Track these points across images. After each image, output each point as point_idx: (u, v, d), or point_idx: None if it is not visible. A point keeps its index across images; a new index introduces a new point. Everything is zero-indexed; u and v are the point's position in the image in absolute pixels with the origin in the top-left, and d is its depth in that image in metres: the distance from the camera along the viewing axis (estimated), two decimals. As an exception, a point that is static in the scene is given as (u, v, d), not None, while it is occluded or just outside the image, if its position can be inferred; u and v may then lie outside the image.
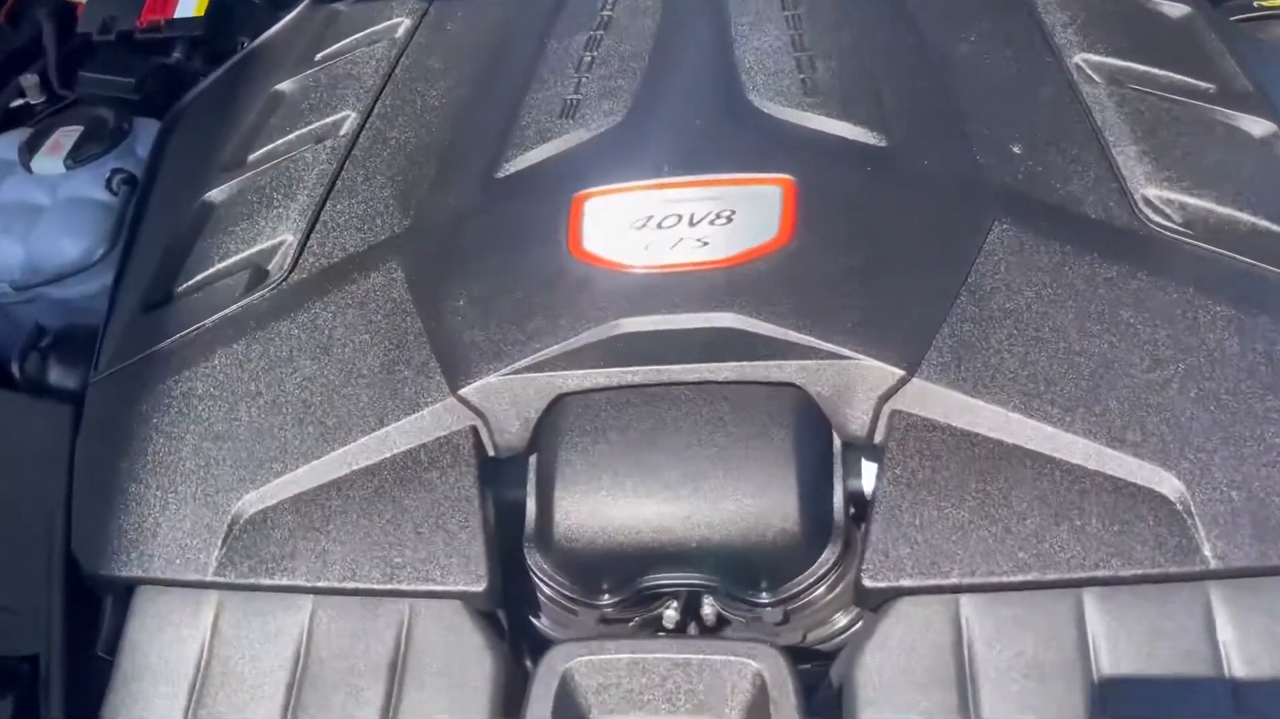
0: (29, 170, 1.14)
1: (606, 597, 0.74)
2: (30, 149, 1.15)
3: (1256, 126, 0.84)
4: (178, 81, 1.29)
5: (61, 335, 1.02)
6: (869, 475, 0.73)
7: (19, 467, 0.88)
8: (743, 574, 0.72)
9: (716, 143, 0.87)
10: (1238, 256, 0.77)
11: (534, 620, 0.79)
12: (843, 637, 0.76)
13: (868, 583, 0.68)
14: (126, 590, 0.77)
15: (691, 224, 0.83)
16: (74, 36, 1.41)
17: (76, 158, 1.13)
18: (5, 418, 0.92)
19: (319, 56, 1.08)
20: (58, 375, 1.00)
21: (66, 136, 1.15)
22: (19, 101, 1.37)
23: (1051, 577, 0.66)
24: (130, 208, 1.08)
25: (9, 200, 1.12)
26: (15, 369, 0.99)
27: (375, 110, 1.00)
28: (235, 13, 1.34)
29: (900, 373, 0.73)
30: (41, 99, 1.37)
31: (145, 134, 1.18)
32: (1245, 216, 0.79)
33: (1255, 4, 0.95)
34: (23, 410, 0.92)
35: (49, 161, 1.13)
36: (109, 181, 1.11)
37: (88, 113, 1.19)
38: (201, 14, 1.32)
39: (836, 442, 0.74)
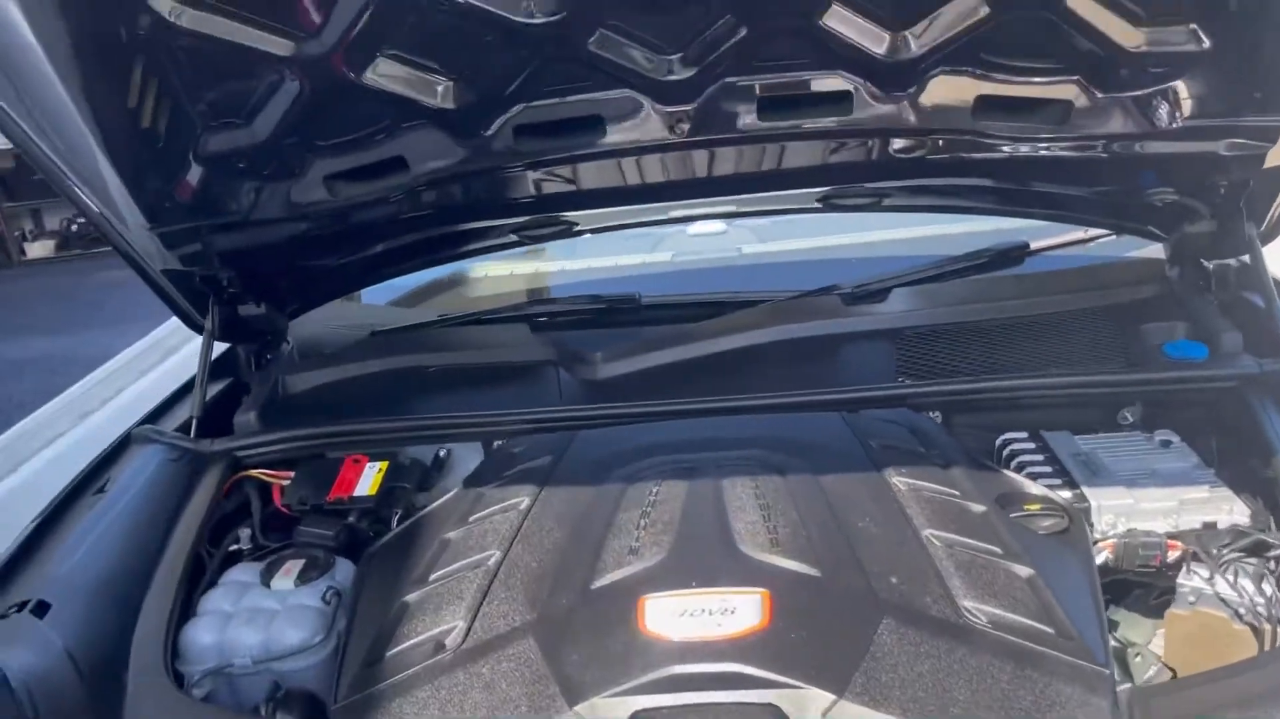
0: (267, 586, 1.74)
1: None
2: (269, 572, 1.76)
3: (1023, 571, 1.50)
4: (356, 536, 1.94)
5: (289, 693, 1.57)
6: None
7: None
8: None
9: (721, 571, 1.50)
10: (1017, 640, 1.38)
11: None
12: None
13: None
14: None
15: (710, 614, 1.43)
16: (271, 504, 2.08)
17: (302, 579, 1.74)
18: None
19: (472, 519, 1.74)
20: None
21: (294, 565, 1.77)
22: (234, 547, 2.00)
23: None
24: (339, 611, 1.67)
25: (252, 605, 1.71)
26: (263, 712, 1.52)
27: (510, 551, 1.64)
28: (395, 493, 2.03)
29: (832, 696, 1.31)
30: (249, 546, 2.00)
31: (341, 568, 1.80)
32: (1017, 618, 1.42)
33: (1023, 508, 1.67)
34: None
35: (282, 581, 1.74)
36: (324, 595, 1.71)
37: (306, 552, 1.82)
38: (374, 493, 2.00)
39: None
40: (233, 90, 1.77)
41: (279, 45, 1.65)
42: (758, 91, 1.86)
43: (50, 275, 11.25)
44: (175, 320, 3.48)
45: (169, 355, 3.48)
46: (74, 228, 11.91)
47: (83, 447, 2.85)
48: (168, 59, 1.67)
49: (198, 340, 2.25)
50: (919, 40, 1.73)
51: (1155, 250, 2.31)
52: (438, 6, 1.59)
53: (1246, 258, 2.12)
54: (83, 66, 1.63)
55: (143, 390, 3.24)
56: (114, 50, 1.64)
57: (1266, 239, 2.10)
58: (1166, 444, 1.87)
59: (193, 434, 2.12)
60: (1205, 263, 2.21)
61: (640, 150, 1.99)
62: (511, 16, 1.61)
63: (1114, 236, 2.39)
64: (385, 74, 1.74)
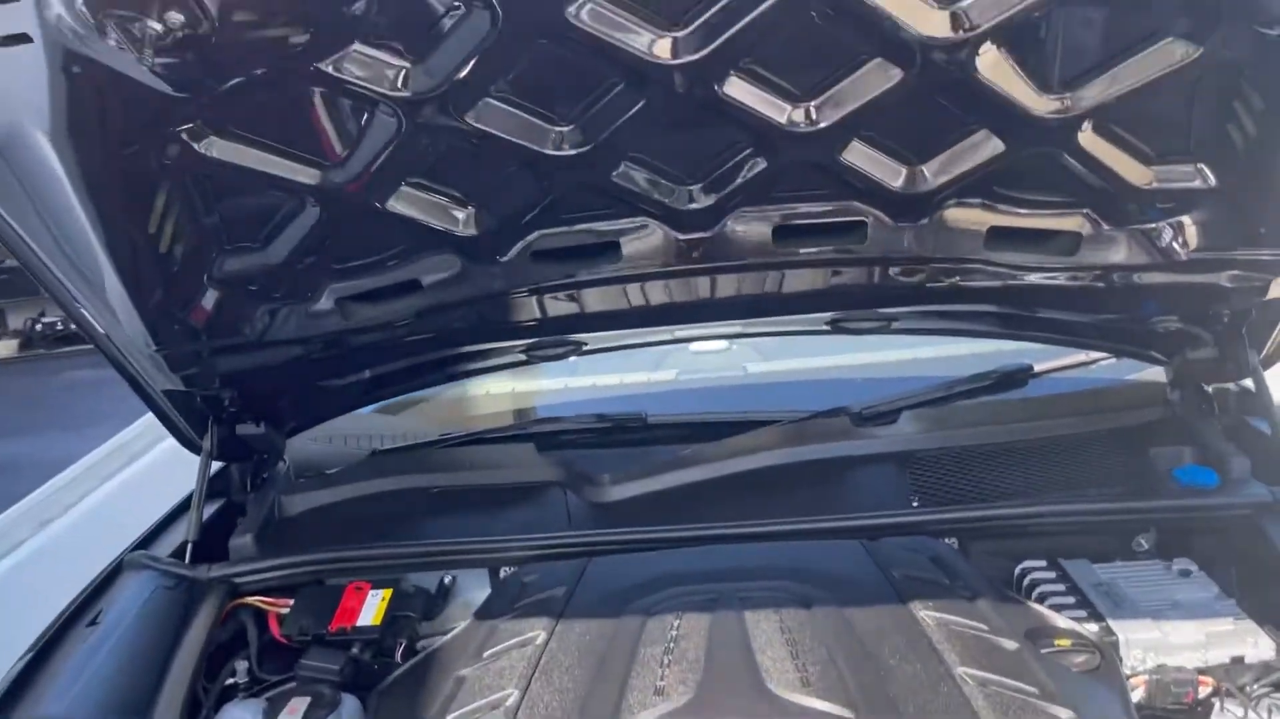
0: (270, 727, 1.66)
1: None
2: (273, 711, 1.68)
3: (1062, 713, 1.46)
4: (360, 669, 1.86)
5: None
6: None
7: None
8: None
9: (752, 712, 1.45)
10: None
11: None
12: None
13: None
14: None
15: (749, 760, 1.38)
16: (269, 634, 2.00)
17: (308, 719, 1.66)
18: None
19: (486, 654, 1.68)
20: None
21: (300, 704, 1.69)
22: (230, 680, 1.91)
23: None
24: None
25: (256, 745, 1.63)
26: None
27: (529, 690, 1.57)
28: (399, 622, 1.96)
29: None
30: (246, 679, 1.92)
31: (347, 705, 1.72)
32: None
33: (1054, 643, 1.64)
34: None
35: (287, 722, 1.66)
36: (331, 736, 1.63)
37: (311, 689, 1.74)
38: (379, 623, 1.93)
39: None
40: (253, 215, 1.77)
41: (304, 174, 1.66)
42: (773, 221, 1.88)
43: (12, 375, 11.01)
44: (141, 424, 3.42)
45: (134, 460, 3.40)
46: (38, 327, 11.74)
47: (44, 555, 2.77)
48: (193, 187, 1.67)
49: (164, 444, 2.19)
50: (935, 174, 1.77)
51: (1156, 373, 2.34)
52: (466, 140, 1.60)
53: (1248, 383, 2.15)
54: (106, 192, 1.62)
55: (107, 496, 3.16)
56: (139, 178, 1.63)
57: (1266, 365, 2.13)
58: (1186, 574, 1.86)
59: (188, 559, 2.05)
60: (1206, 387, 2.24)
61: (654, 276, 2.00)
62: (540, 149, 1.63)
63: (1115, 360, 2.42)
64: (408, 200, 1.75)
